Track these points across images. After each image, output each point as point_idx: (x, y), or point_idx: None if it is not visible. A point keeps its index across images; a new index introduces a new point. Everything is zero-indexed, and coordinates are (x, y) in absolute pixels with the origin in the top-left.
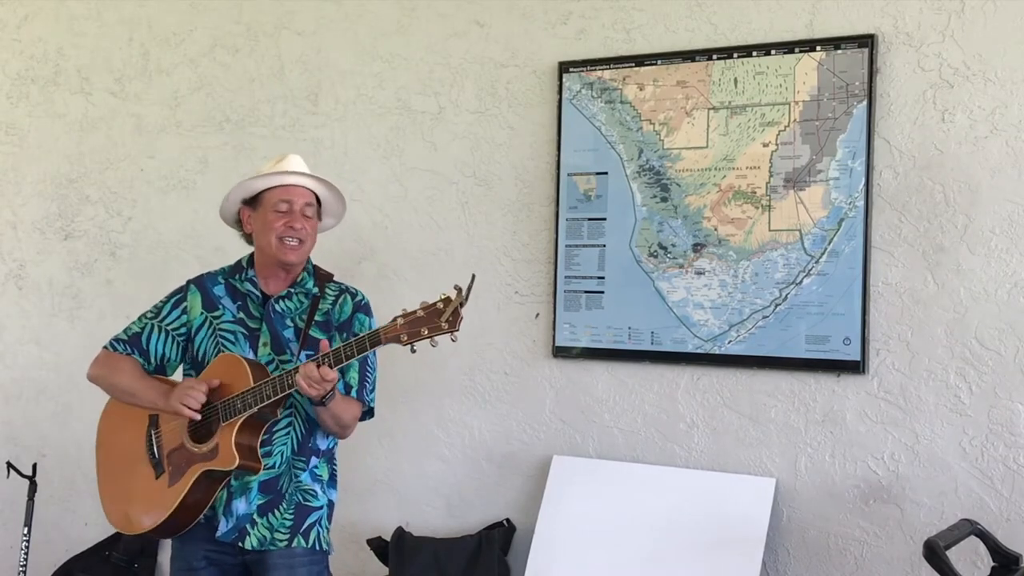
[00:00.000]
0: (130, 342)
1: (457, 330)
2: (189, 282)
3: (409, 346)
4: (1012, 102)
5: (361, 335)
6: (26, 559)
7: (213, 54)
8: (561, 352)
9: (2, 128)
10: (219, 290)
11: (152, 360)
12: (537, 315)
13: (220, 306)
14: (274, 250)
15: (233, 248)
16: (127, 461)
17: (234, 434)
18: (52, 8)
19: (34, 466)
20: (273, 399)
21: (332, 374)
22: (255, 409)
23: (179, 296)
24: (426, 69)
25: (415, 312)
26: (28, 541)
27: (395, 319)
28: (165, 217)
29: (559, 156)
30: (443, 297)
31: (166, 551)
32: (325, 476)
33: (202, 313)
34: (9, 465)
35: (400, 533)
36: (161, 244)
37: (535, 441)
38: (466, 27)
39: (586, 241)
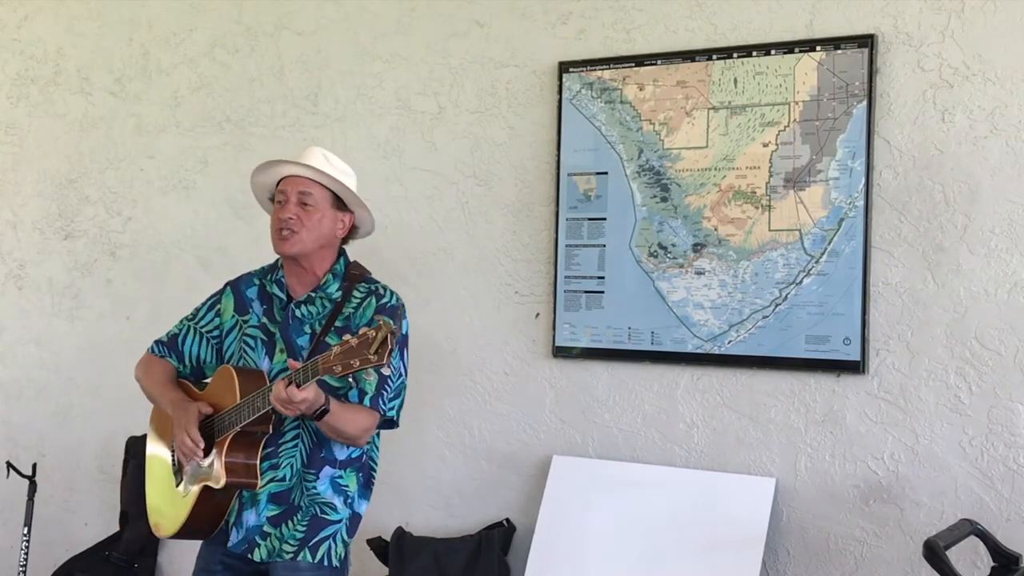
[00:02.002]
0: (168, 344)
1: (385, 363)
2: (226, 284)
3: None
4: (1012, 102)
5: (305, 363)
6: (26, 559)
7: (213, 54)
8: (561, 352)
9: (2, 128)
10: (252, 292)
11: (187, 362)
12: (537, 315)
13: (250, 309)
14: (274, 245)
15: (235, 247)
16: (157, 465)
17: (224, 452)
18: (52, 8)
19: (34, 466)
20: (253, 417)
21: (300, 395)
22: (238, 428)
23: (215, 298)
24: (426, 69)
25: (349, 341)
26: (28, 541)
27: (331, 348)
28: (165, 217)
29: (559, 156)
30: (376, 326)
31: (166, 551)
32: (353, 486)
33: (233, 316)
34: (9, 465)
35: (400, 533)
36: (161, 244)
37: (535, 441)
38: (466, 27)
39: (586, 241)
